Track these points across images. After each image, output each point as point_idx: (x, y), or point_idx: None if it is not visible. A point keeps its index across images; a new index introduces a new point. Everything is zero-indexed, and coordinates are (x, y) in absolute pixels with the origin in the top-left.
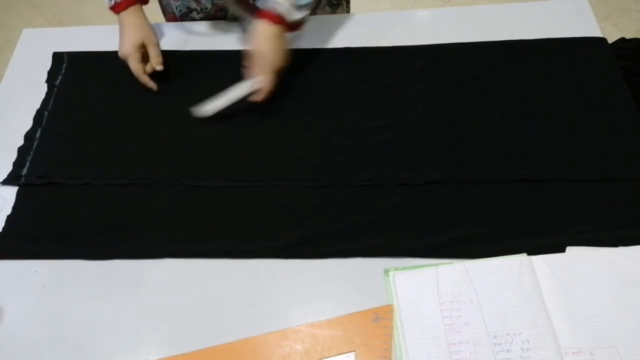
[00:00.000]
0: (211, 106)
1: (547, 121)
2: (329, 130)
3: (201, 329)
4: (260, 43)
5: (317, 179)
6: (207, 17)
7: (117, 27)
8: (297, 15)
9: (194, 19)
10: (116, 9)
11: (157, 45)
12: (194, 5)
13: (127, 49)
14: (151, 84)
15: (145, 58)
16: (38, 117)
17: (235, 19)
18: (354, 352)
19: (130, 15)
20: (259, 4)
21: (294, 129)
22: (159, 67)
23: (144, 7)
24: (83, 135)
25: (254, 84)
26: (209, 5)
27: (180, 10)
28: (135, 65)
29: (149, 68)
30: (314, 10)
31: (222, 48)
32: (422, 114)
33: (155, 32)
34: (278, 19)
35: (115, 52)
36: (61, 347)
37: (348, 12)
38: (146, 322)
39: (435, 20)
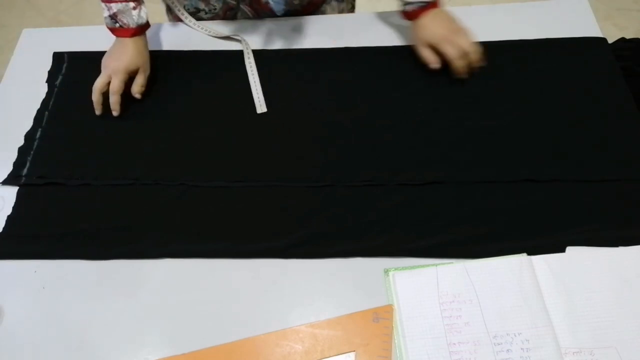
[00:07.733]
0: None
1: (547, 121)
2: (329, 130)
3: (201, 329)
4: (445, 25)
5: (318, 179)
6: (216, 17)
7: None
8: None
9: (201, 19)
10: (123, 33)
11: (147, 75)
12: (202, 5)
13: (121, 67)
14: (117, 107)
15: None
16: (38, 117)
17: (245, 19)
18: (354, 352)
19: (136, 40)
20: (408, 8)
21: (294, 129)
22: (137, 96)
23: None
24: (83, 135)
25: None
26: (218, 6)
27: (188, 10)
28: (118, 84)
29: (135, 89)
30: (322, 5)
31: (224, 48)
32: (422, 114)
33: (149, 61)
34: (435, 5)
35: None
36: (61, 347)
37: (353, 6)
38: (146, 322)
39: None
